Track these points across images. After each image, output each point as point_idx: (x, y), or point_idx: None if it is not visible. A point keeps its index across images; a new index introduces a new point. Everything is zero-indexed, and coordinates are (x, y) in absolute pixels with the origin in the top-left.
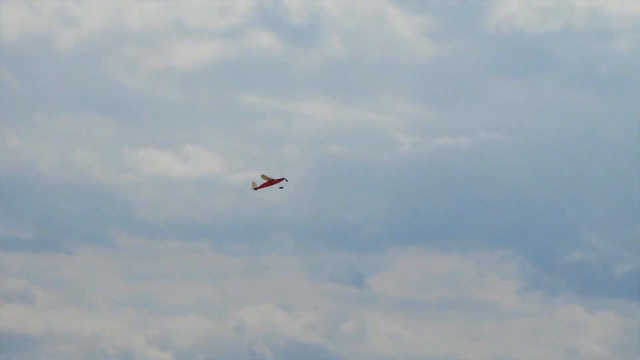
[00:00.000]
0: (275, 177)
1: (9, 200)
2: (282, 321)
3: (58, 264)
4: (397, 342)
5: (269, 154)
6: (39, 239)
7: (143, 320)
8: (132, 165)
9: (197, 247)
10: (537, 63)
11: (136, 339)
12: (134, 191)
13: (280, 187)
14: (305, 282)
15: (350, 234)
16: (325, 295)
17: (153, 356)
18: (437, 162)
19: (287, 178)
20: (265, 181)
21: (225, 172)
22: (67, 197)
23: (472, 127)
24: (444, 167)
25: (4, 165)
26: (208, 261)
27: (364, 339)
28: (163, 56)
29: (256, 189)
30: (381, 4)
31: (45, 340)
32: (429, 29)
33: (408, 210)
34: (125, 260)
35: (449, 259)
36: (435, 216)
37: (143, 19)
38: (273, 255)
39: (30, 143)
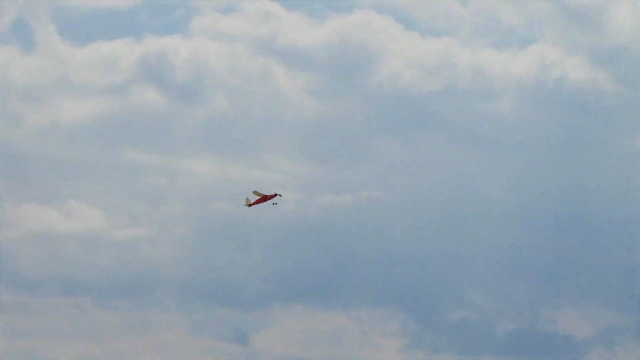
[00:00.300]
0: (269, 193)
1: None
2: None
3: None
4: None
5: (153, 210)
6: None
7: None
8: (15, 220)
9: (80, 303)
10: (420, 121)
11: None
12: (16, 247)
13: (273, 204)
14: (188, 339)
15: (234, 290)
16: (208, 352)
17: None
18: (321, 220)
19: (280, 193)
20: (258, 197)
21: (109, 228)
22: None
23: (355, 185)
24: (328, 225)
25: None
26: (90, 317)
27: None
28: (47, 112)
29: (250, 205)
30: (266, 61)
31: None
32: (313, 87)
33: (291, 268)
34: (6, 316)
35: (332, 317)
36: (318, 273)
37: (27, 75)
38: (156, 311)
39: None
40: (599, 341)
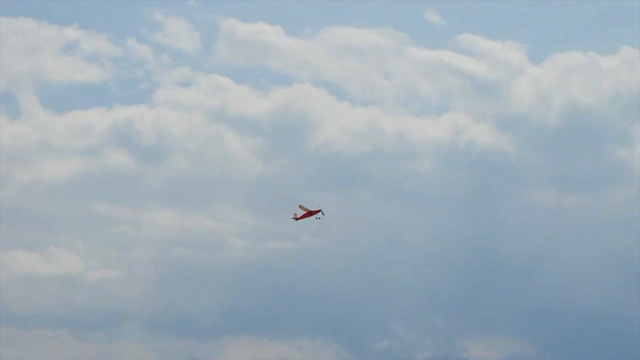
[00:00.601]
0: (313, 209)
1: None
2: None
3: None
4: None
5: (122, 255)
6: None
7: None
8: (2, 264)
9: (59, 335)
10: (351, 180)
11: None
12: (3, 287)
13: (317, 218)
14: None
15: (191, 324)
16: None
17: None
18: (266, 263)
19: (323, 210)
20: (304, 212)
21: (84, 270)
22: None
23: (295, 233)
24: (272, 267)
25: None
26: (69, 348)
27: None
28: (31, 171)
29: (297, 219)
30: (219, 127)
31: None
32: (259, 150)
33: (241, 304)
34: None
35: (276, 346)
36: (264, 309)
37: (14, 139)
38: (125, 342)
39: None
40: None
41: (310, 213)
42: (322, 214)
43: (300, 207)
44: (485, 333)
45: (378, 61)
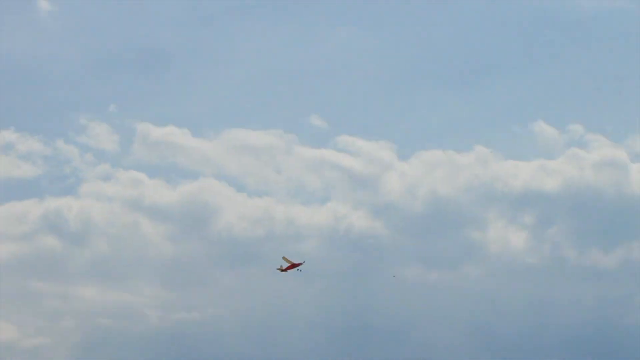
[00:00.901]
0: (297, 262)
1: None
2: None
3: None
4: None
5: (52, 324)
6: None
7: None
8: None
9: None
10: (248, 259)
11: None
12: None
13: (299, 270)
14: None
15: None
16: None
17: None
18: (177, 331)
19: (304, 261)
20: (288, 264)
21: (19, 338)
22: None
23: (202, 305)
24: (182, 334)
25: None
26: None
27: None
28: None
29: (283, 270)
30: (136, 215)
31: None
32: (170, 234)
33: None
34: None
35: None
36: None
37: None
38: None
39: None
40: None
41: (293, 265)
42: (304, 262)
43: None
44: None
45: (271, 158)
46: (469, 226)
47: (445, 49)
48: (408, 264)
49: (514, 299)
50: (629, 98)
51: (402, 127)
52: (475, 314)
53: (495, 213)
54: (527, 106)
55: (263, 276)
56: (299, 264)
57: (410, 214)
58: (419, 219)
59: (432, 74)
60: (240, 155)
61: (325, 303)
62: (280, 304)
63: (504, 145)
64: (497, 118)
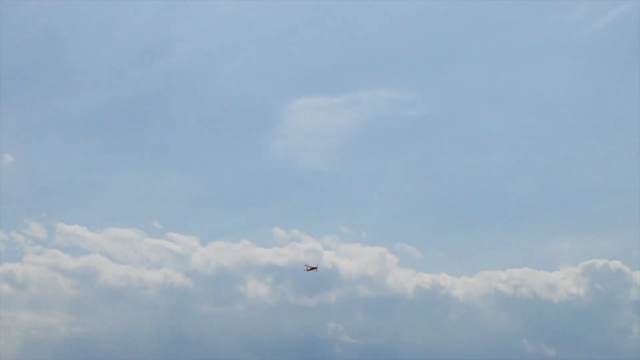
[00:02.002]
0: (313, 266)
1: None
2: None
3: None
4: None
5: None
6: None
7: None
8: None
9: None
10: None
11: None
12: None
13: (314, 269)
14: None
15: None
16: None
17: None
18: None
19: (317, 267)
20: (309, 267)
21: None
22: None
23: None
24: None
25: None
26: None
27: None
28: None
29: (308, 270)
30: (54, 274)
31: None
32: (73, 284)
33: None
34: None
35: None
36: None
37: None
38: None
39: None
40: None
41: (312, 268)
42: (316, 268)
43: (306, 265)
44: None
45: (131, 244)
46: None
47: None
48: None
49: None
50: None
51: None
52: None
53: None
54: None
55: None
56: (314, 268)
57: None
58: None
59: None
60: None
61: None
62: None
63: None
64: None
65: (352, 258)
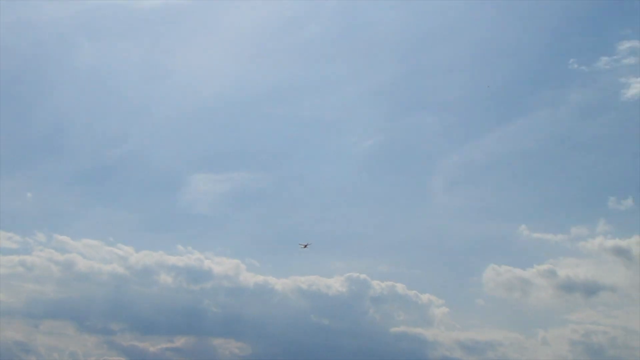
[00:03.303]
0: (307, 243)
1: None
2: None
3: None
4: None
5: None
6: None
7: None
8: None
9: None
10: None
11: None
12: None
13: (306, 245)
14: None
15: None
16: None
17: None
18: None
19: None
20: (303, 245)
21: None
22: None
23: None
24: None
25: None
26: None
27: None
28: None
29: (304, 247)
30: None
31: None
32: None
33: None
34: None
35: None
36: None
37: None
38: None
39: None
40: None
41: (305, 245)
42: (310, 243)
43: (300, 244)
44: None
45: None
46: None
47: None
48: None
49: None
50: None
51: None
52: None
53: None
54: None
55: None
56: (307, 244)
57: None
58: None
59: None
60: None
61: None
62: None
63: None
64: None
65: (220, 264)
